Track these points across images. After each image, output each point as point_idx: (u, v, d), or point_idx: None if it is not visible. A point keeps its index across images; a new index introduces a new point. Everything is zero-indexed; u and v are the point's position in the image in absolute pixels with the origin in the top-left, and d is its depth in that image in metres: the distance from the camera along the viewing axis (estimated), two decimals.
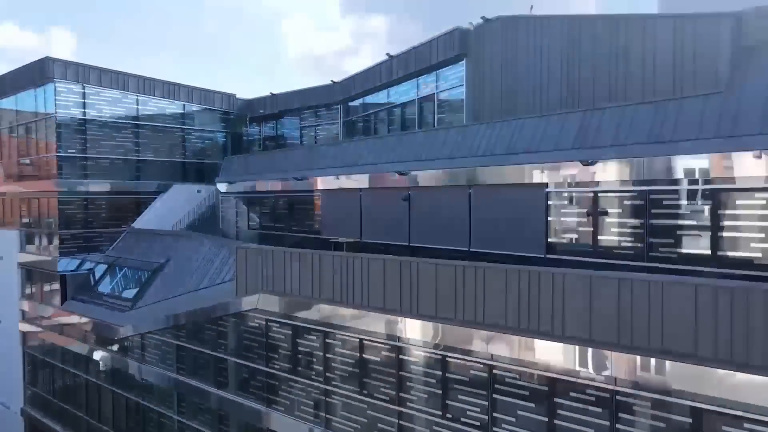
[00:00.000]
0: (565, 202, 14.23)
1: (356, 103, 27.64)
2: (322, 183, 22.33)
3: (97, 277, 27.25)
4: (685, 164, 11.88)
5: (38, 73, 27.54)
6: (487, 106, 19.19)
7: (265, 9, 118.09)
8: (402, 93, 24.40)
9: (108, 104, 28.59)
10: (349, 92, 27.50)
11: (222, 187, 29.16)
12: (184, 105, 31.26)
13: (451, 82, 21.15)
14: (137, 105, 29.50)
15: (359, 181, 20.48)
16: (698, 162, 11.66)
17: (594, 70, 15.16)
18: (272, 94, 33.20)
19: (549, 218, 14.53)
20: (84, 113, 27.77)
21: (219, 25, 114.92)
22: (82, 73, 27.49)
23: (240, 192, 28.07)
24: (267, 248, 17.29)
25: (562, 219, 14.33)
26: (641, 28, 13.96)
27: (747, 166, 10.85)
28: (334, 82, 29.07)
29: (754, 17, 11.97)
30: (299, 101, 31.15)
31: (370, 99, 26.74)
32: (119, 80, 28.73)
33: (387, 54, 24.20)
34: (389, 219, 19.17)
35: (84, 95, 27.70)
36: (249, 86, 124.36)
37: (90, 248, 28.06)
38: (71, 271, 27.55)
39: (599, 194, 13.50)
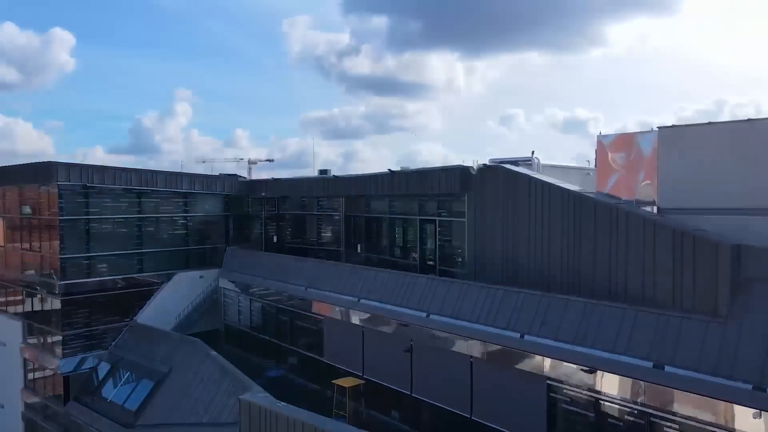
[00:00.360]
0: (567, 398, 14.35)
1: (358, 203, 27.66)
2: (325, 309, 22.47)
3: (100, 378, 27.36)
4: (685, 399, 11.99)
5: (42, 174, 27.70)
6: (488, 245, 19.24)
7: (265, 8, 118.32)
8: (404, 207, 24.48)
9: (111, 200, 28.72)
10: (350, 191, 27.59)
11: (224, 282, 29.32)
12: (185, 193, 31.35)
13: (453, 213, 21.25)
14: (139, 198, 29.61)
15: (362, 318, 20.61)
16: (699, 401, 11.77)
17: (595, 256, 15.28)
18: (274, 179, 33.38)
19: (550, 410, 14.64)
20: (87, 212, 27.88)
21: (219, 24, 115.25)
22: (85, 174, 27.61)
23: (243, 293, 28.21)
24: (270, 408, 17.34)
25: (564, 414, 14.44)
26: (641, 227, 14.07)
27: (747, 420, 10.97)
28: (336, 177, 29.18)
29: (753, 250, 12.10)
30: (300, 190, 31.26)
31: (372, 202, 26.78)
32: (121, 177, 28.85)
33: (389, 169, 24.35)
34: (392, 363, 19.28)
35: (87, 194, 27.81)
36: (249, 87, 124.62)
37: (93, 346, 28.16)
38: (73, 370, 27.62)
39: (600, 401, 13.62)
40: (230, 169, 49.60)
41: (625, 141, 15.76)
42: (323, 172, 32.15)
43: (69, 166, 27.31)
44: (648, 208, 15.14)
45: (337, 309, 21.86)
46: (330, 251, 29.89)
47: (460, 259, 20.79)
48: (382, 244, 26.41)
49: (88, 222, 27.95)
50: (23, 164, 29.44)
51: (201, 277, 31.58)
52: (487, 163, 19.49)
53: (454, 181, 20.41)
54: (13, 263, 31.50)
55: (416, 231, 23.48)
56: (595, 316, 14.22)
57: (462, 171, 20.05)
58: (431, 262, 22.35)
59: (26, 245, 30.06)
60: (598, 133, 16.65)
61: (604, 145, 16.53)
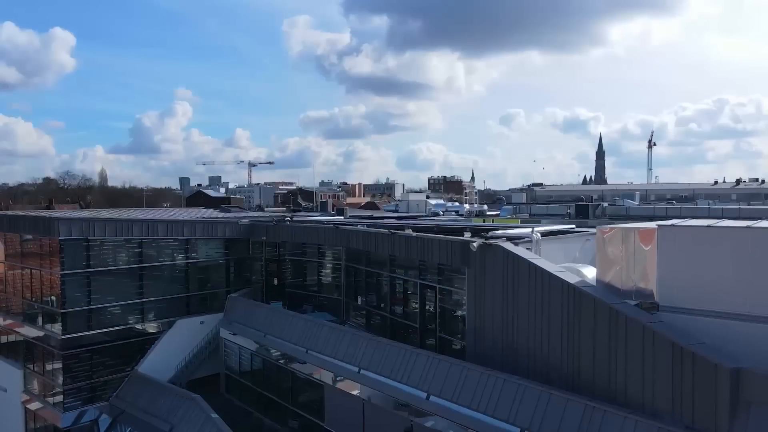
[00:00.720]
0: None
1: (359, 255, 27.71)
2: (326, 375, 22.51)
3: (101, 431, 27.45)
4: None
5: (44, 228, 27.76)
6: (488, 322, 19.20)
7: (265, 8, 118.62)
8: (404, 267, 24.57)
9: (112, 251, 28.79)
10: (349, 243, 27.66)
11: (225, 333, 29.37)
12: (187, 239, 31.39)
13: (454, 284, 21.30)
14: (141, 248, 29.65)
15: (362, 390, 20.65)
16: None
17: (594, 354, 15.31)
18: (275, 223, 33.48)
19: None
20: (88, 264, 27.93)
21: (219, 24, 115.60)
22: (87, 228, 27.65)
23: (243, 345, 28.27)
24: None
25: None
26: (640, 335, 14.11)
27: None
28: (337, 227, 29.27)
29: (753, 375, 12.15)
30: (301, 237, 31.39)
31: (373, 255, 26.80)
32: (123, 228, 28.91)
33: (389, 231, 24.40)
34: None
35: (88, 248, 27.86)
36: (249, 87, 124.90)
37: (94, 398, 28.21)
38: (73, 424, 27.62)
39: None
40: (230, 170, 49.74)
41: (626, 233, 15.81)
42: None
43: (70, 221, 27.38)
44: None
45: (338, 378, 21.91)
46: (331, 299, 30.06)
47: (460, 332, 20.83)
48: (382, 299, 26.46)
49: (90, 275, 28.00)
50: (25, 215, 29.52)
51: (202, 322, 31.63)
52: (488, 239, 19.51)
53: (455, 254, 20.46)
54: (15, 310, 31.56)
55: (417, 294, 23.54)
56: (595, 420, 14.26)
57: (462, 245, 20.08)
58: (431, 339, 22.44)
59: (27, 294, 30.12)
60: (598, 228, 16.73)
61: (602, 235, 16.61)
